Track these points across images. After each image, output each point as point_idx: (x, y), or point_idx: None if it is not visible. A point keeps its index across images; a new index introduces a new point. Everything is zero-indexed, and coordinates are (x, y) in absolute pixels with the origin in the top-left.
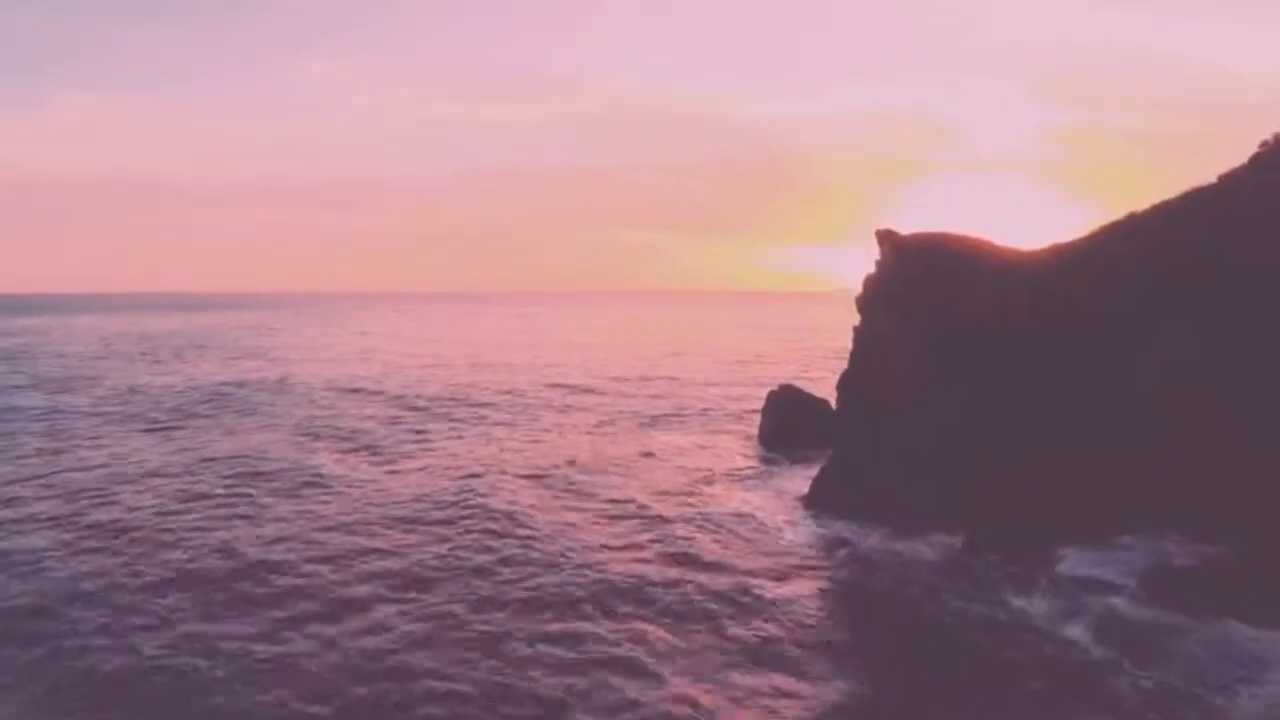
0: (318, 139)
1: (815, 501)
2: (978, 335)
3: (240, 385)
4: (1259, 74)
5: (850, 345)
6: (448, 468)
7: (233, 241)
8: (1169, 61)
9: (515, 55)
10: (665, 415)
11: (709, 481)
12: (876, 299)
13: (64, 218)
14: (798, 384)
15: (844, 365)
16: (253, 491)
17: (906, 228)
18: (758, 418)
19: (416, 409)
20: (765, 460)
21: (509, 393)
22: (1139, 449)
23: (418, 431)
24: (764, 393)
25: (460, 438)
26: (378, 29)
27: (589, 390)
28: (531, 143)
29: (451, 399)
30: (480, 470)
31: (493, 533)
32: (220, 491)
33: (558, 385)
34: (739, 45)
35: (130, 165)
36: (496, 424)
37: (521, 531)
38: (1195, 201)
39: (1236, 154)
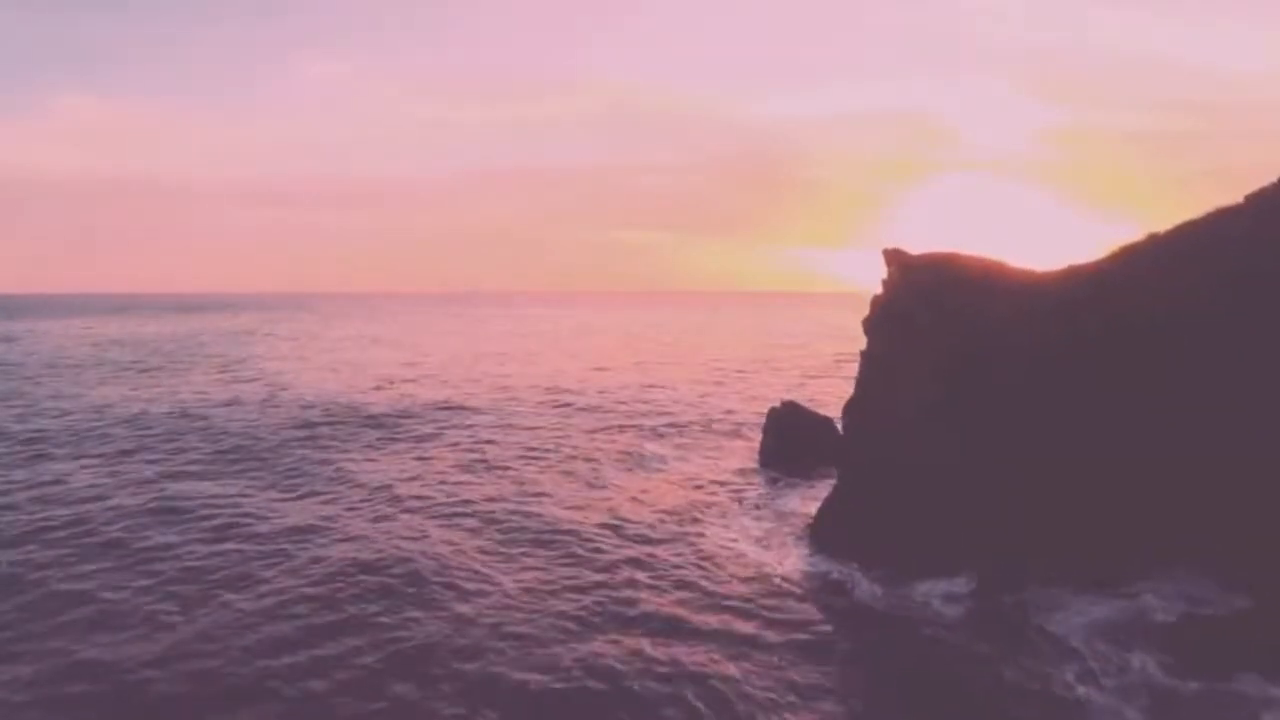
0: (318, 139)
1: (819, 536)
2: (991, 361)
3: (228, 403)
4: (1259, 74)
5: (851, 352)
6: (416, 509)
7: (233, 241)
8: (1169, 61)
9: (515, 55)
10: (660, 429)
11: (706, 506)
12: (883, 321)
13: (64, 218)
14: (801, 394)
15: (847, 372)
16: (209, 557)
17: (907, 229)
18: (758, 433)
19: (401, 429)
20: (766, 481)
21: (497, 409)
22: (1162, 487)
23: (397, 458)
24: (765, 405)
25: (445, 468)
26: (378, 29)
27: (581, 404)
28: (532, 142)
29: (441, 416)
30: (461, 508)
31: (452, 587)
32: (173, 553)
33: (550, 398)
34: (739, 45)
35: (130, 165)
36: (483, 441)
37: (487, 597)
38: (1221, 224)
39: (1236, 154)
